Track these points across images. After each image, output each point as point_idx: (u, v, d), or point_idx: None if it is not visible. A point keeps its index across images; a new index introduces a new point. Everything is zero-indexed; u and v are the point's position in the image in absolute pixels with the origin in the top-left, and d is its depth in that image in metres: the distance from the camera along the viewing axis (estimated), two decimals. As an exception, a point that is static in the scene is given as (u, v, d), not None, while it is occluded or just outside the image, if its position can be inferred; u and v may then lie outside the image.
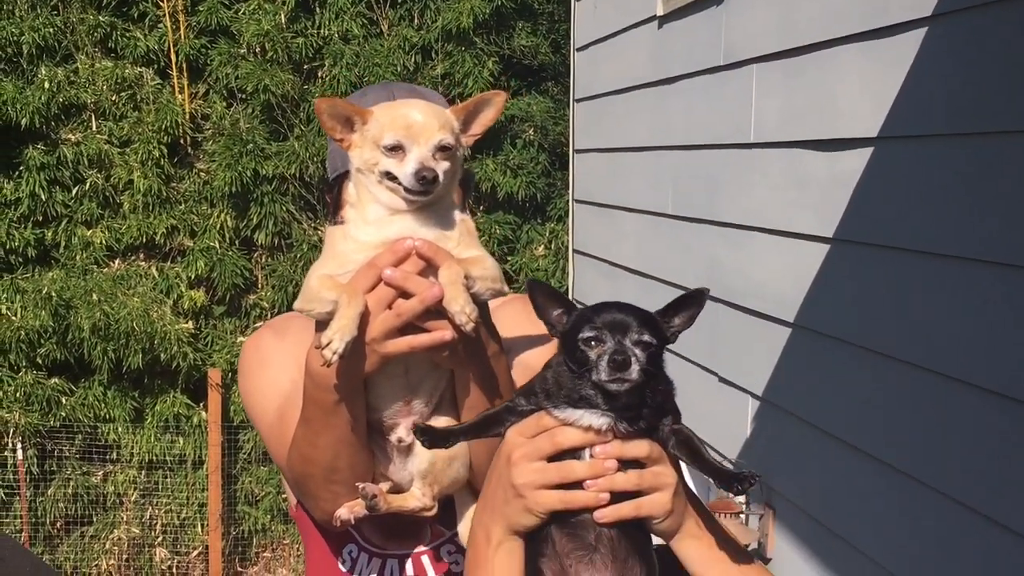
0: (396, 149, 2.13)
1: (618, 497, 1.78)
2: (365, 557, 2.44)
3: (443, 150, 2.15)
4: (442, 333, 2.03)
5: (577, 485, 1.78)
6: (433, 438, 1.89)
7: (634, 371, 1.71)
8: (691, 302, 1.87)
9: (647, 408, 1.78)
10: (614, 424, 1.76)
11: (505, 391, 2.17)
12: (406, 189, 2.11)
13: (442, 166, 2.11)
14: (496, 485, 1.85)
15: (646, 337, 1.75)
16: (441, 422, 2.16)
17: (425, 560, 2.43)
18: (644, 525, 1.83)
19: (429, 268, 2.05)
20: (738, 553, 1.89)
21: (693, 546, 1.85)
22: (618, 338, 1.73)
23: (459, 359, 2.12)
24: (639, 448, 1.78)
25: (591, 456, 1.77)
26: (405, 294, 2.02)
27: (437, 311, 2.03)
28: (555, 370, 1.81)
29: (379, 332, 2.04)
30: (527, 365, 2.32)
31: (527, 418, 1.82)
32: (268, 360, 2.50)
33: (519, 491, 1.79)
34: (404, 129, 2.13)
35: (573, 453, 1.78)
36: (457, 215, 2.18)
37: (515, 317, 2.41)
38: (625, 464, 1.78)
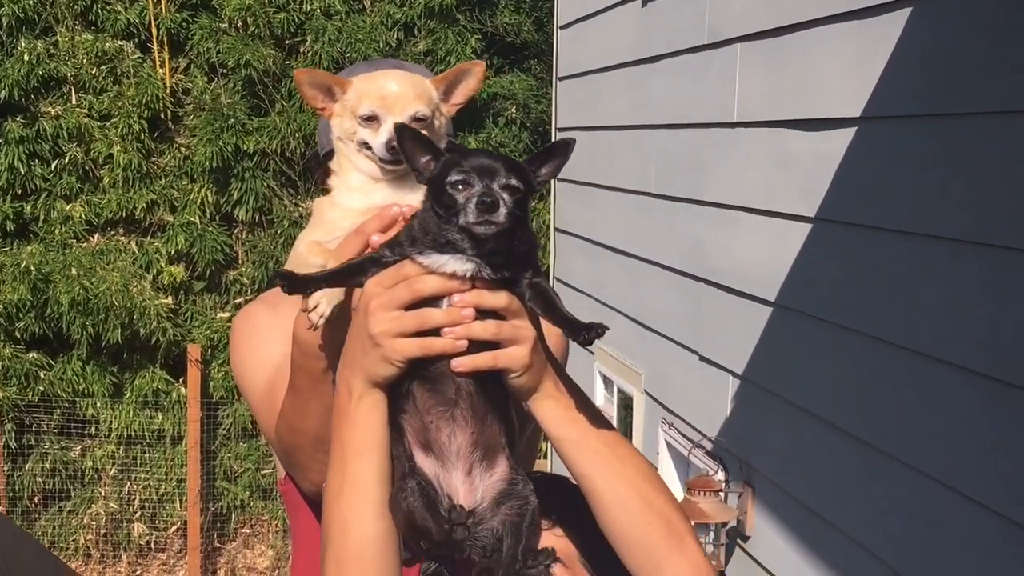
0: (371, 119, 2.18)
1: (477, 349, 1.78)
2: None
3: (418, 120, 2.17)
4: None
5: (435, 333, 1.77)
6: (293, 284, 1.88)
7: (502, 214, 1.71)
8: (558, 152, 1.87)
9: (512, 256, 1.78)
10: (479, 270, 1.76)
11: None
12: (380, 159, 2.15)
13: None
14: (355, 337, 1.84)
15: (514, 182, 1.75)
16: None
17: None
18: (504, 384, 1.82)
19: None
20: (595, 416, 1.89)
21: (551, 406, 1.85)
22: (486, 182, 1.73)
23: None
24: (498, 299, 1.77)
25: (449, 305, 1.77)
26: None
27: None
28: (422, 217, 1.82)
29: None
30: None
31: (387, 269, 1.81)
32: (259, 332, 2.50)
33: (376, 340, 1.78)
34: (379, 100, 2.17)
35: (432, 303, 1.77)
36: None
37: None
38: (484, 315, 1.77)
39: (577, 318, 1.77)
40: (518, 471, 1.87)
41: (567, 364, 2.47)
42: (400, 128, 1.85)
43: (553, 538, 1.99)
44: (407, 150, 1.83)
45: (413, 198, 2.09)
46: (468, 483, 1.85)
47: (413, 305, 1.78)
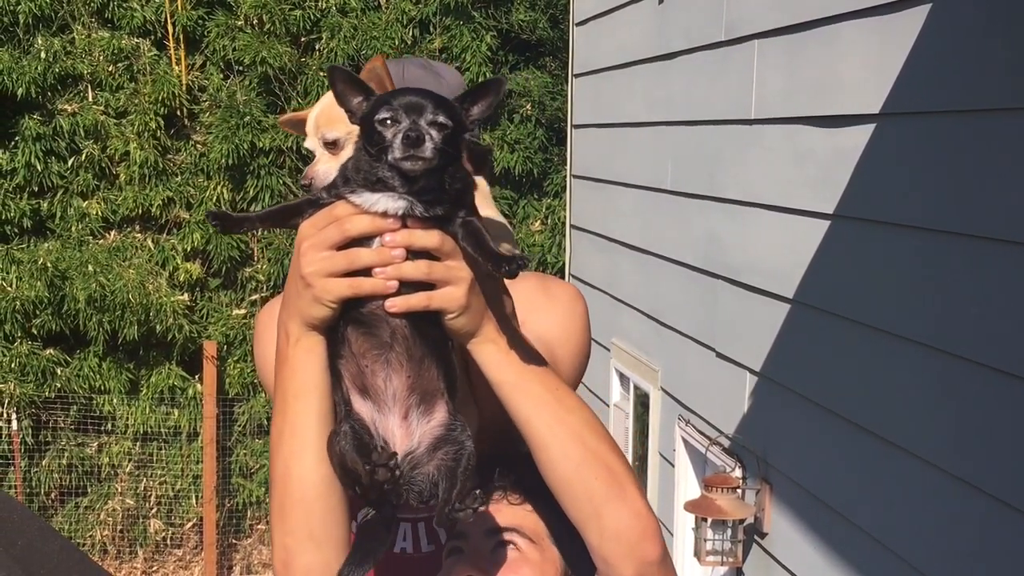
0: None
1: (414, 290, 1.77)
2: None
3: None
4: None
5: (367, 274, 1.76)
6: (226, 223, 1.87)
7: (427, 149, 1.71)
8: (489, 90, 1.83)
9: (444, 194, 1.77)
10: (410, 208, 1.75)
11: None
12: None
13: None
14: (291, 280, 1.84)
15: (441, 118, 1.74)
16: None
17: (421, 528, 2.43)
18: (442, 326, 1.81)
19: None
20: (538, 362, 1.87)
21: (491, 350, 1.83)
22: (413, 118, 1.73)
23: None
24: (429, 238, 1.75)
25: (381, 245, 1.76)
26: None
27: None
28: (355, 156, 1.81)
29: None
30: (542, 340, 2.31)
31: (321, 210, 1.80)
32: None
33: (308, 280, 1.77)
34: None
35: (365, 243, 1.77)
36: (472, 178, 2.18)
37: (529, 292, 2.40)
38: (417, 255, 1.76)
39: (501, 252, 1.76)
40: (456, 416, 1.86)
41: (586, 365, 2.46)
42: (331, 69, 1.83)
43: (523, 513, 1.99)
44: (339, 92, 1.82)
45: None
46: (405, 427, 1.84)
47: (345, 246, 1.77)
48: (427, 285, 1.77)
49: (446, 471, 1.83)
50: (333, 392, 1.86)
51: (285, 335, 1.86)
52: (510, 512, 1.99)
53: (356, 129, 2.01)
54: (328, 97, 2.15)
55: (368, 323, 1.80)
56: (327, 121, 2.14)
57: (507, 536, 1.99)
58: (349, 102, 1.82)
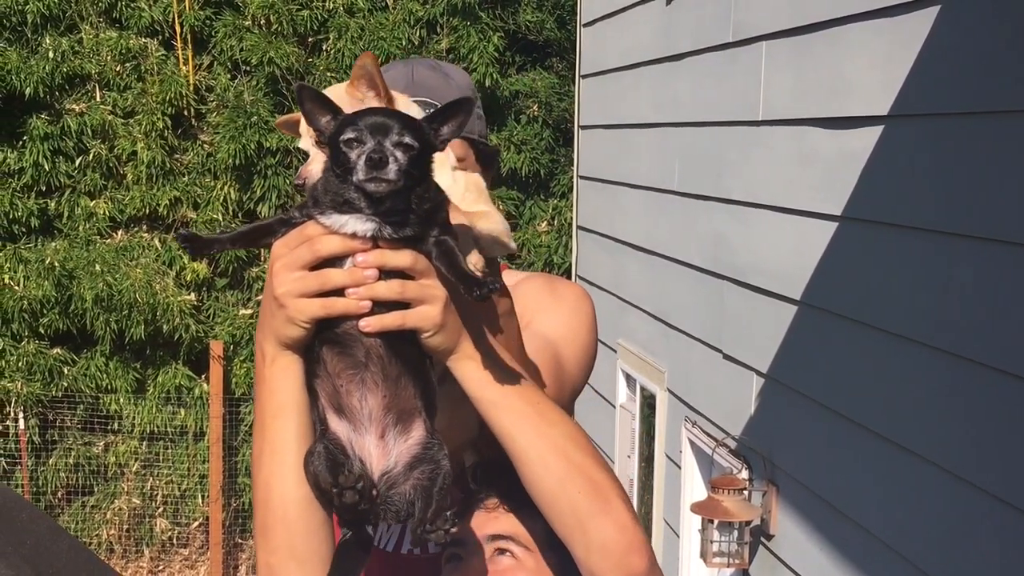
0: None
1: (388, 310, 1.76)
2: (384, 523, 2.44)
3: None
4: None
5: (339, 294, 1.75)
6: (195, 245, 1.85)
7: (391, 171, 1.70)
8: (459, 110, 1.82)
9: (413, 215, 1.76)
10: (379, 229, 1.74)
11: (516, 350, 2.16)
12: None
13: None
14: (265, 300, 1.83)
15: (407, 140, 1.73)
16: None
17: None
18: (418, 344, 1.80)
19: None
20: (518, 378, 1.87)
21: (470, 367, 1.83)
22: (378, 139, 1.71)
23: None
24: (402, 258, 1.75)
25: (353, 265, 1.75)
26: None
27: None
28: (324, 177, 1.80)
29: (386, 289, 2.03)
30: (548, 339, 2.32)
31: (293, 229, 1.79)
32: None
33: (280, 301, 1.76)
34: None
35: (337, 263, 1.76)
36: (466, 173, 2.17)
37: (535, 293, 2.41)
38: (390, 275, 1.75)
39: (472, 273, 1.75)
40: (434, 435, 1.84)
41: (592, 365, 2.46)
42: (300, 87, 1.82)
43: (518, 520, 1.99)
44: (307, 111, 1.81)
45: (440, 184, 2.08)
46: (381, 446, 1.83)
47: (317, 266, 1.76)
48: (402, 304, 1.76)
49: (422, 490, 1.82)
50: (312, 410, 1.86)
51: (261, 355, 1.86)
52: (506, 519, 1.99)
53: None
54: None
55: (343, 343, 1.79)
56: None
57: (503, 544, 1.99)
58: (317, 121, 1.80)
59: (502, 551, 1.99)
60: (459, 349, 1.82)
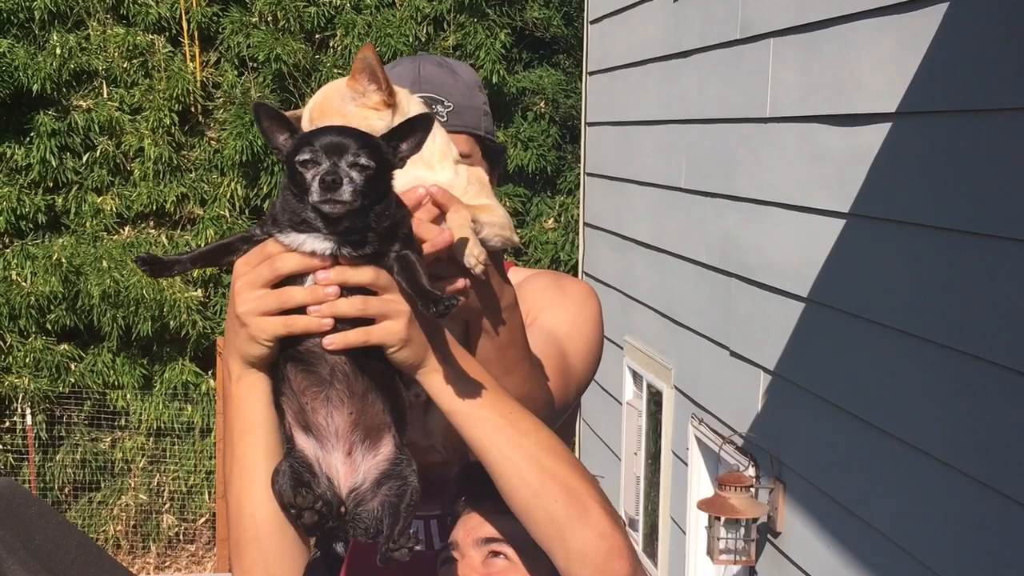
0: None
1: (353, 326, 1.74)
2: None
3: None
4: (453, 281, 2.01)
5: (302, 311, 1.74)
6: (155, 267, 1.82)
7: (346, 192, 1.67)
8: (417, 126, 1.81)
9: (372, 233, 1.74)
10: (337, 248, 1.72)
11: (520, 345, 2.15)
12: None
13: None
14: (229, 318, 1.83)
15: (363, 160, 1.70)
16: None
17: (434, 525, 2.43)
18: (387, 360, 1.78)
19: (442, 216, 2.04)
20: (490, 388, 1.85)
21: (439, 380, 1.81)
22: (333, 160, 1.69)
23: (472, 308, 2.10)
24: (363, 274, 1.73)
25: (314, 283, 1.74)
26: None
27: (449, 259, 2.01)
28: (282, 195, 1.78)
29: None
30: (554, 335, 2.31)
31: (255, 247, 1.78)
32: None
33: (242, 319, 1.75)
34: None
35: (300, 280, 1.74)
36: (469, 167, 2.16)
37: (542, 289, 2.40)
38: (352, 291, 1.73)
39: (432, 290, 1.72)
40: (403, 450, 1.83)
41: (598, 361, 2.45)
42: (256, 106, 1.80)
43: (512, 521, 1.97)
44: (265, 129, 1.80)
45: (442, 178, 2.07)
46: (349, 463, 1.82)
47: (278, 284, 1.75)
48: (367, 320, 1.75)
49: (389, 507, 1.81)
50: (281, 428, 1.85)
51: (227, 373, 1.85)
52: (500, 521, 1.98)
53: (350, 121, 1.98)
54: (323, 91, 2.13)
55: (307, 360, 1.78)
56: (321, 114, 2.10)
57: (497, 546, 1.98)
58: (275, 139, 1.79)
59: (496, 553, 1.99)
60: (427, 363, 1.80)
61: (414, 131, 1.81)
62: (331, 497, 1.81)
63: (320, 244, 1.72)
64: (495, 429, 1.83)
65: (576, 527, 1.79)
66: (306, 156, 1.71)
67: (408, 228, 1.81)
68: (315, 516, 1.77)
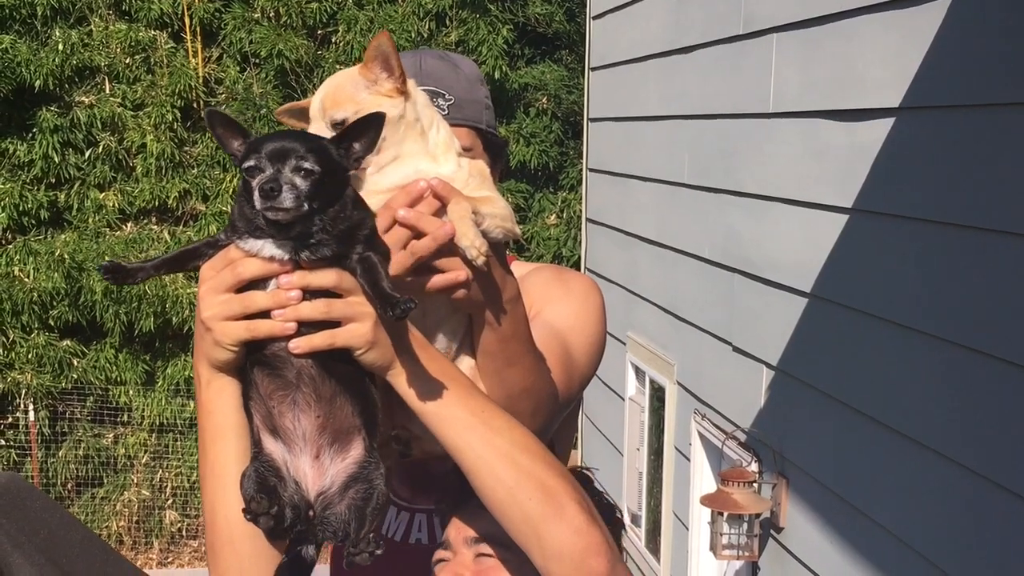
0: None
1: (314, 329, 1.74)
2: (393, 511, 2.44)
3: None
4: (456, 273, 2.01)
5: (265, 316, 1.74)
6: (118, 275, 1.81)
7: (286, 199, 1.66)
8: (369, 126, 1.80)
9: (328, 236, 1.72)
10: (295, 253, 1.71)
11: (523, 337, 2.15)
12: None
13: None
14: (196, 324, 1.83)
15: (307, 165, 1.69)
16: (464, 365, 2.14)
17: (436, 519, 2.43)
18: (354, 362, 1.78)
19: (443, 208, 2.03)
20: (461, 387, 1.85)
21: (408, 380, 1.81)
22: (277, 167, 1.68)
23: (474, 300, 2.10)
24: (325, 278, 1.73)
25: (277, 287, 1.74)
26: (419, 234, 1.99)
27: (451, 251, 2.00)
28: (237, 201, 1.78)
29: (394, 273, 2.02)
30: (557, 329, 2.31)
31: (219, 253, 1.77)
32: None
33: (207, 324, 1.75)
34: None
35: (263, 284, 1.74)
36: (471, 160, 2.16)
37: (545, 283, 2.40)
38: (315, 294, 1.73)
39: (392, 293, 1.71)
40: (372, 453, 1.83)
41: (601, 356, 2.45)
42: (210, 112, 1.79)
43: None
44: (219, 136, 1.78)
45: (445, 170, 2.07)
46: (317, 467, 1.82)
47: (242, 289, 1.75)
48: (332, 323, 1.74)
49: (355, 511, 1.81)
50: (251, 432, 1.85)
51: (197, 378, 1.87)
52: (489, 519, 1.99)
53: (363, 108, 1.98)
54: (332, 80, 2.12)
55: (273, 364, 1.77)
56: (333, 103, 2.08)
57: (487, 545, 1.99)
58: (230, 146, 1.77)
59: (486, 552, 1.99)
60: (396, 364, 1.80)
61: (367, 131, 1.80)
62: (298, 501, 1.81)
63: (276, 249, 1.72)
64: (467, 428, 1.82)
65: (551, 524, 1.78)
66: (251, 163, 1.70)
67: (370, 229, 1.79)
68: (270, 521, 1.76)
